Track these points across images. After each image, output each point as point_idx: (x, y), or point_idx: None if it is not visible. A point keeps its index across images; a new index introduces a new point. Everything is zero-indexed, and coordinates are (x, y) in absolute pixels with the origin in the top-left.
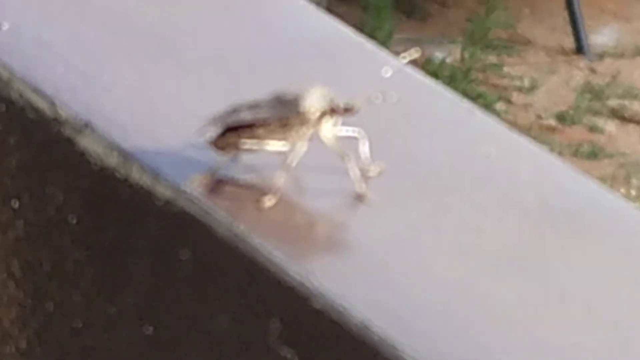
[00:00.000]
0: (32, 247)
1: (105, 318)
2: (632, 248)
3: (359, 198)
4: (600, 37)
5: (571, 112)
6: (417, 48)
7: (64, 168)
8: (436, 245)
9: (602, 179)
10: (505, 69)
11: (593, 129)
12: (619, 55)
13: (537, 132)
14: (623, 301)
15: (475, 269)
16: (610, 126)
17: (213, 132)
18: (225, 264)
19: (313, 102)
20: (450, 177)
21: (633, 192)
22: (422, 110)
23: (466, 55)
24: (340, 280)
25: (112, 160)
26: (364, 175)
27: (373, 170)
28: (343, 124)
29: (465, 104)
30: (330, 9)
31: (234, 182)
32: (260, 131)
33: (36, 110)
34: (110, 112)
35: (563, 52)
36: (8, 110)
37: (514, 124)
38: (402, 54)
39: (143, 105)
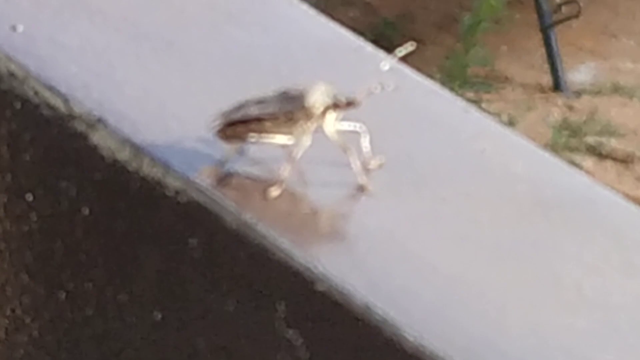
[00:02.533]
0: (46, 238)
1: (116, 306)
2: (621, 237)
3: (361, 189)
4: (578, 74)
5: (549, 148)
6: (413, 42)
7: (77, 162)
8: (433, 235)
9: None
10: (483, 106)
11: (570, 165)
12: (596, 92)
13: None
14: (612, 286)
15: (471, 256)
16: (588, 163)
17: (221, 125)
18: (234, 251)
19: (317, 97)
20: (446, 171)
21: None
22: (420, 108)
23: None
24: (343, 265)
25: (124, 154)
26: (365, 168)
27: (374, 164)
28: (346, 119)
29: (461, 102)
30: None
31: (242, 174)
32: (267, 125)
33: (51, 107)
34: (121, 109)
35: (541, 89)
36: (24, 107)
37: None
38: (398, 48)
39: (152, 103)
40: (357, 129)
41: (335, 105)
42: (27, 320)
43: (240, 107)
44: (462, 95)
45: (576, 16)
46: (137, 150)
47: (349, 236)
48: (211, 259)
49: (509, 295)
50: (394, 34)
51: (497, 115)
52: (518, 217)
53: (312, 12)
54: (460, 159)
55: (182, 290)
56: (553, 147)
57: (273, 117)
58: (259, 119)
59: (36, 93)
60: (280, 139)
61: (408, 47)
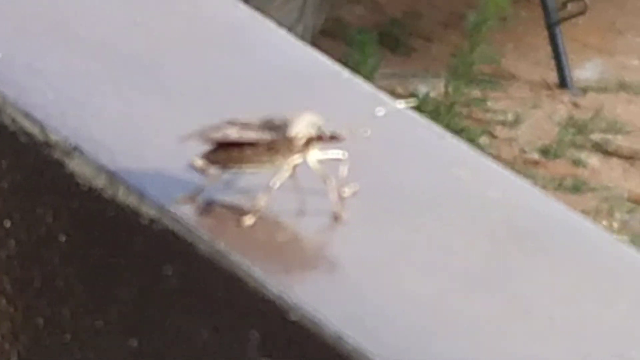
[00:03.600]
0: (23, 264)
1: (93, 332)
2: (594, 266)
3: (336, 218)
4: (584, 71)
5: (554, 146)
6: (415, 99)
7: (54, 189)
8: (407, 263)
9: (586, 213)
10: (489, 104)
11: (576, 163)
12: (602, 89)
13: (521, 166)
14: (584, 316)
15: (444, 285)
16: (594, 160)
17: (201, 142)
18: (208, 279)
19: (301, 128)
20: (421, 199)
21: (615, 225)
22: (396, 135)
23: (450, 89)
24: (315, 294)
25: (100, 181)
26: (340, 195)
27: (347, 191)
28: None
29: (436, 129)
30: (315, 44)
31: (218, 202)
32: (247, 152)
33: (27, 134)
34: (98, 136)
35: (546, 86)
36: (0, 134)
37: (497, 158)
38: (399, 101)
39: (129, 130)
40: (340, 157)
41: (319, 138)
42: (6, 346)
43: (220, 126)
44: (468, 93)
45: (582, 13)
46: (113, 178)
47: (322, 265)
48: (186, 287)
49: (482, 324)
50: (400, 31)
51: (502, 113)
52: (492, 245)
53: (291, 38)
54: (435, 187)
55: (158, 318)
56: (559, 145)
57: (254, 145)
58: (239, 145)
59: (13, 120)
60: (260, 167)
61: (410, 102)
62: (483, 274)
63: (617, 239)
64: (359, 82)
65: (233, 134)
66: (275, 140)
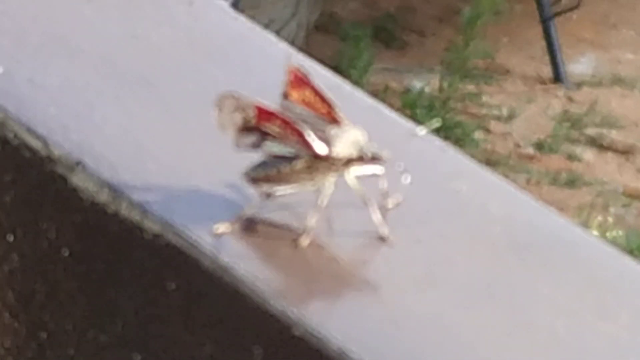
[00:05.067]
0: (27, 279)
1: (96, 347)
2: (595, 278)
3: (383, 239)
4: (578, 66)
5: (549, 140)
6: (439, 119)
7: (57, 204)
8: (408, 277)
9: (580, 207)
10: (484, 98)
11: (571, 157)
12: (596, 83)
13: (516, 161)
14: (585, 329)
15: (445, 299)
16: (589, 154)
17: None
18: (211, 294)
19: (343, 147)
20: (422, 212)
21: (610, 220)
22: (397, 147)
23: (445, 84)
24: (318, 310)
25: (103, 196)
26: (385, 208)
27: (391, 203)
28: None
29: (438, 142)
30: (309, 39)
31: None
32: (287, 170)
33: (30, 149)
34: (100, 151)
35: (541, 81)
36: (3, 149)
37: (492, 153)
38: (420, 126)
39: (131, 144)
40: (378, 172)
41: (360, 159)
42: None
43: (263, 165)
44: (463, 88)
45: (576, 7)
46: (116, 192)
47: (324, 280)
48: (189, 301)
49: (483, 337)
50: (395, 26)
51: (497, 107)
52: (493, 258)
53: (291, 50)
54: (435, 199)
55: (161, 332)
56: (554, 139)
57: (295, 167)
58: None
59: (15, 135)
60: (298, 187)
61: (434, 123)
62: (484, 287)
63: (619, 251)
64: (360, 95)
65: (274, 170)
66: (315, 159)
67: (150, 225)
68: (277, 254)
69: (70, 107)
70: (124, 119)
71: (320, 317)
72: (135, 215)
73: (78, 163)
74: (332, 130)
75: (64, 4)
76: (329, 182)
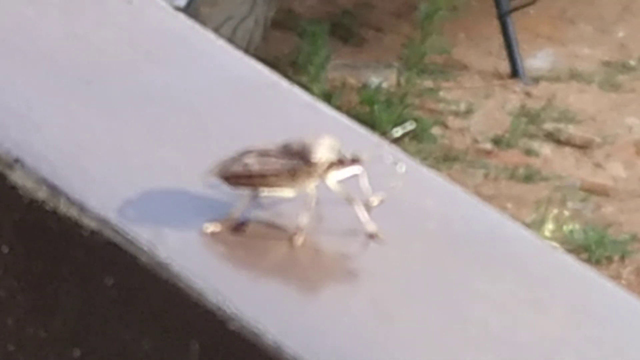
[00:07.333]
0: None
1: (36, 342)
2: (529, 274)
3: (373, 237)
4: (536, 61)
5: (507, 135)
6: (412, 121)
7: None
8: (342, 272)
9: (538, 202)
10: (441, 94)
11: (529, 152)
12: (554, 78)
13: (473, 156)
14: (520, 324)
15: (379, 294)
16: (546, 149)
17: (222, 176)
18: (148, 290)
19: (323, 153)
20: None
21: (567, 214)
22: None
23: (402, 80)
24: (254, 304)
25: (41, 193)
26: (368, 206)
27: (375, 201)
28: None
29: (375, 139)
30: (267, 36)
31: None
32: (271, 179)
33: None
34: (39, 149)
35: (498, 76)
36: None
37: (450, 148)
38: (396, 128)
39: (70, 142)
40: (357, 172)
41: (340, 162)
42: None
43: (240, 157)
44: (420, 84)
45: (533, 2)
46: (54, 190)
47: (260, 275)
48: (127, 297)
49: (417, 332)
50: (352, 22)
51: (455, 103)
52: (427, 253)
53: (230, 49)
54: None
55: (100, 328)
56: (511, 134)
57: (276, 173)
58: (262, 175)
59: None
60: (280, 192)
61: (407, 127)
62: (418, 282)
63: (552, 246)
64: (298, 92)
65: (254, 165)
66: (296, 167)
67: (88, 222)
68: (214, 251)
69: (9, 105)
70: (64, 118)
71: (256, 312)
72: (73, 212)
73: (16, 160)
74: (306, 141)
75: (4, 3)
76: (310, 188)
